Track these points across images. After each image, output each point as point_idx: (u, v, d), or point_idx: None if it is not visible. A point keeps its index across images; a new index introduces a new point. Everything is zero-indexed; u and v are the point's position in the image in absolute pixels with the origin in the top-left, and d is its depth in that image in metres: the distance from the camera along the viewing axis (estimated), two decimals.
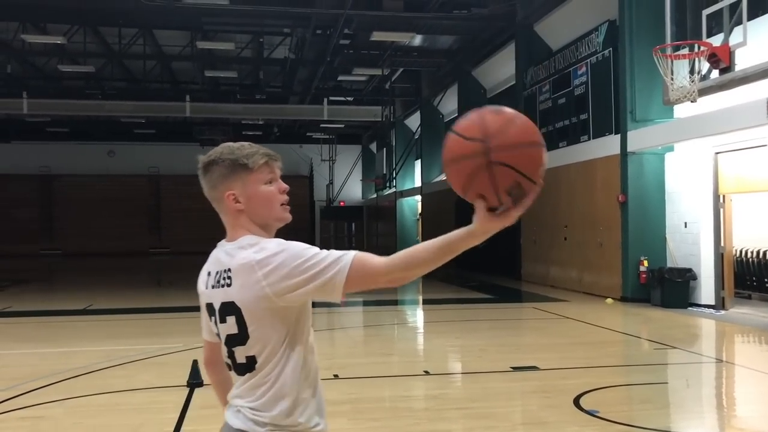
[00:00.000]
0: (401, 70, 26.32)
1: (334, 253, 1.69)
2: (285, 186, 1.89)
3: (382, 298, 14.15)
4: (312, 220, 37.56)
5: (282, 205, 1.88)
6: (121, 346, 8.85)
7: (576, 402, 5.93)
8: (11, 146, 35.76)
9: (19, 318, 12.22)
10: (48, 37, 20.82)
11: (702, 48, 10.50)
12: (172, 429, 5.22)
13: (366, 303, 13.57)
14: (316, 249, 1.71)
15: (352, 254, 1.68)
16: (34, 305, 14.31)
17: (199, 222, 34.62)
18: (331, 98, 28.52)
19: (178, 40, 23.35)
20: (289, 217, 1.89)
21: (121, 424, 5.44)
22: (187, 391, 6.31)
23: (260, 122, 31.61)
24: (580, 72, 15.20)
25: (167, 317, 11.92)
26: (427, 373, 7.35)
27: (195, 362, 6.60)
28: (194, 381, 6.44)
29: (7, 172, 35.32)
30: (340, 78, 26.40)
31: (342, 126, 31.37)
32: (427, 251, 1.64)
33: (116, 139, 35.87)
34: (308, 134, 35.93)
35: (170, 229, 36.27)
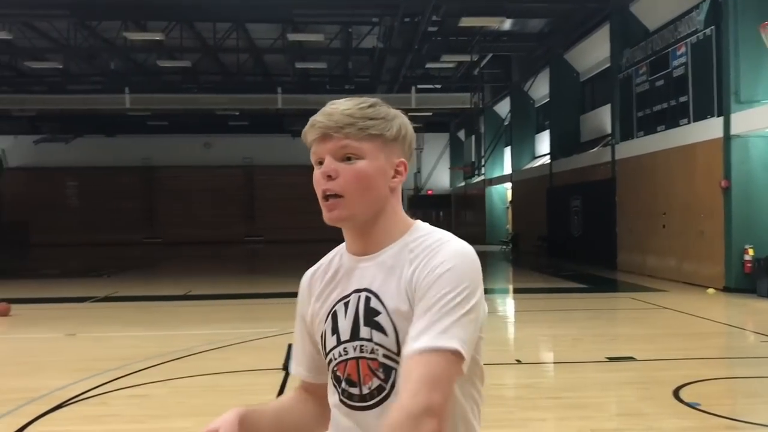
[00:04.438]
0: (490, 55, 25.98)
1: None
2: (330, 166, 1.32)
3: None
4: None
5: (323, 197, 1.34)
6: (219, 330, 9.19)
7: (675, 394, 5.72)
8: (115, 140, 37.69)
9: (125, 303, 12.90)
10: (147, 34, 21.74)
11: None
12: None
13: None
14: None
15: None
16: (138, 291, 15.05)
17: (291, 211, 35.58)
18: (419, 86, 28.48)
19: (270, 33, 23.88)
20: (328, 218, 1.34)
21: (221, 404, 5.65)
22: (283, 374, 6.49)
23: None
24: (679, 52, 14.55)
25: (261, 303, 12.26)
26: (518, 362, 7.27)
27: (290, 346, 6.77)
28: (290, 364, 6.62)
29: (111, 165, 37.25)
30: (428, 65, 26.32)
31: (430, 114, 31.28)
32: None
33: (212, 131, 37.14)
34: None
35: (264, 217, 37.30)
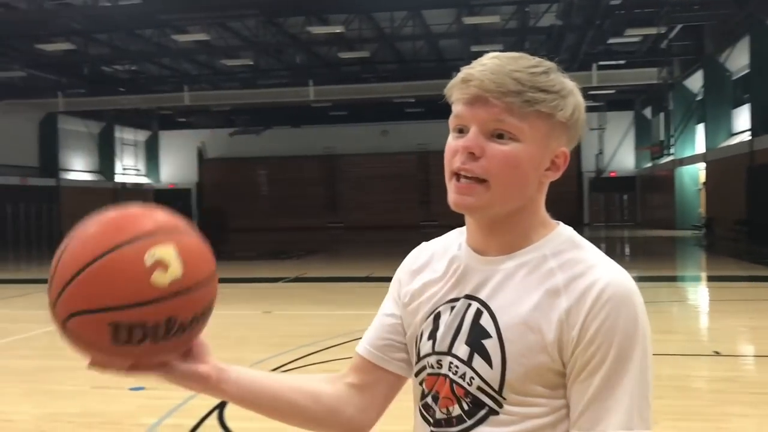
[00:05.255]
0: (680, 26, 24.23)
1: None
2: (474, 141, 1.06)
3: (658, 274, 13.26)
4: (580, 193, 36.43)
5: (455, 175, 1.09)
6: None
7: None
8: (300, 130, 39.85)
9: (313, 283, 13.64)
10: (329, 27, 22.69)
11: None
12: None
13: (641, 279, 12.81)
14: None
15: None
16: (324, 272, 15.84)
17: None
18: (601, 63, 27.23)
19: (445, 18, 23.96)
20: (457, 203, 1.08)
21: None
22: None
23: None
24: None
25: None
26: (717, 353, 6.77)
27: None
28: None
29: (298, 154, 39.47)
30: (610, 41, 25.06)
31: (613, 91, 29.84)
32: None
33: (389, 119, 38.09)
34: None
35: (438, 203, 37.62)
